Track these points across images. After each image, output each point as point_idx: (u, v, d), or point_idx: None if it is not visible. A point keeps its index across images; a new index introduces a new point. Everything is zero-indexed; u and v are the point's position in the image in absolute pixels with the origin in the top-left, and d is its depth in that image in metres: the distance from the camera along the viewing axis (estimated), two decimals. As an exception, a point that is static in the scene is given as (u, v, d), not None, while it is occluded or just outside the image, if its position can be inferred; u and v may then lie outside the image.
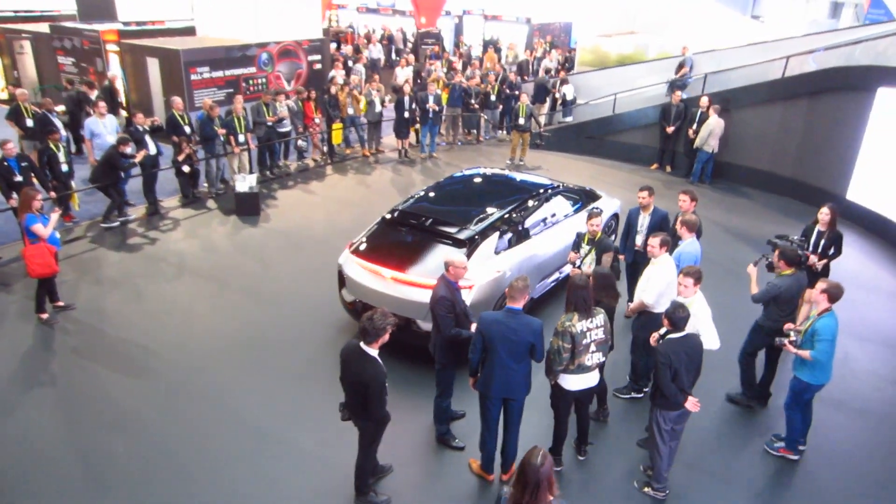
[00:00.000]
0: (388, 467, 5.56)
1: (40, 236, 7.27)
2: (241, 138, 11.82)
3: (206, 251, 9.84)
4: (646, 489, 5.50)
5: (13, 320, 7.69)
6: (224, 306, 8.22)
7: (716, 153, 13.20)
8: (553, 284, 8.28)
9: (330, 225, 10.80)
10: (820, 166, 12.50)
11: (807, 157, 12.76)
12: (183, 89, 13.97)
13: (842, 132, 11.87)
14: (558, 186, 8.76)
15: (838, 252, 7.44)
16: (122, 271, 8.99)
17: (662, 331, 5.30)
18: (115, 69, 15.30)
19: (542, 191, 8.41)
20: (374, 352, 4.68)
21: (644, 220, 7.68)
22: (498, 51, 25.11)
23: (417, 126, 14.84)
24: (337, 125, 14.25)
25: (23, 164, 9.16)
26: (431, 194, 8.21)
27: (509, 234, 7.41)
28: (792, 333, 5.68)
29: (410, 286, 6.68)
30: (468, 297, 6.52)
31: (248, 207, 11.09)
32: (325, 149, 14.34)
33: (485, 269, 6.91)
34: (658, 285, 6.14)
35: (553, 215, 8.25)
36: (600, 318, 5.21)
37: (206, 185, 12.09)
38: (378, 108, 14.35)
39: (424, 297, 6.00)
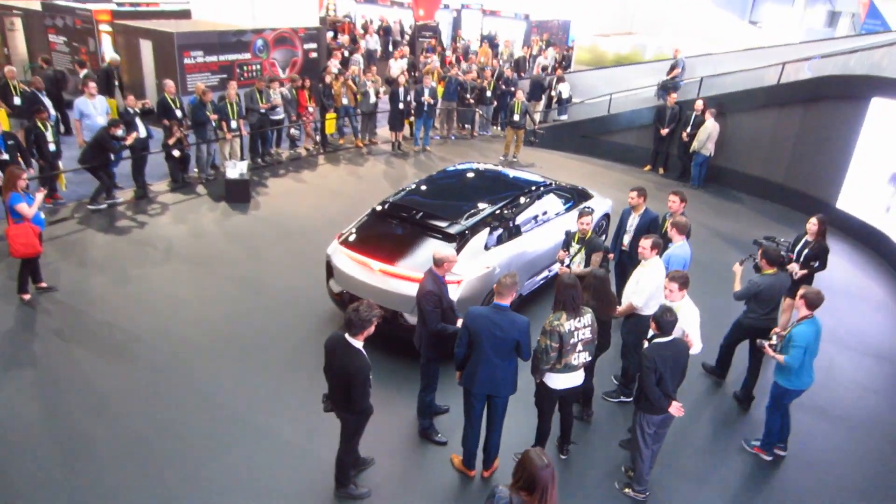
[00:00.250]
0: (370, 460, 5.53)
1: (24, 216, 7.17)
2: (234, 124, 11.70)
3: (194, 237, 9.75)
4: (626, 490, 5.50)
5: (-6, 300, 7.58)
6: (210, 293, 8.14)
7: (711, 157, 13.22)
8: (542, 282, 8.26)
9: (320, 215, 10.73)
10: (811, 174, 12.54)
11: (799, 164, 12.80)
12: (176, 73, 13.81)
13: (834, 141, 11.91)
14: (551, 184, 8.74)
15: (822, 266, 7.37)
16: (107, 254, 8.89)
17: (649, 335, 5.29)
18: (108, 50, 15.11)
19: (534, 188, 8.38)
20: (358, 344, 4.64)
21: (633, 221, 7.68)
22: (495, 46, 25.04)
23: (412, 119, 14.78)
24: (330, 115, 14.16)
25: (9, 143, 9.03)
26: (423, 188, 8.16)
27: (500, 231, 7.38)
28: (774, 338, 5.80)
29: (399, 279, 6.64)
30: (457, 292, 6.50)
31: (238, 194, 11.00)
32: (318, 138, 14.25)
33: (474, 264, 6.88)
34: (648, 288, 6.13)
35: (544, 213, 8.22)
36: (588, 317, 5.19)
37: (196, 170, 11.97)
38: (373, 99, 14.26)
39: (412, 290, 5.96)
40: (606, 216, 9.55)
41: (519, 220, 7.75)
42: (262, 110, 12.44)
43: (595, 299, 5.68)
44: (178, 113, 11.10)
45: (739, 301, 6.56)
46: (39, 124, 9.51)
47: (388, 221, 7.37)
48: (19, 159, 9.00)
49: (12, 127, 11.22)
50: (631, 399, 6.63)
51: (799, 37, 23.94)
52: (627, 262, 7.54)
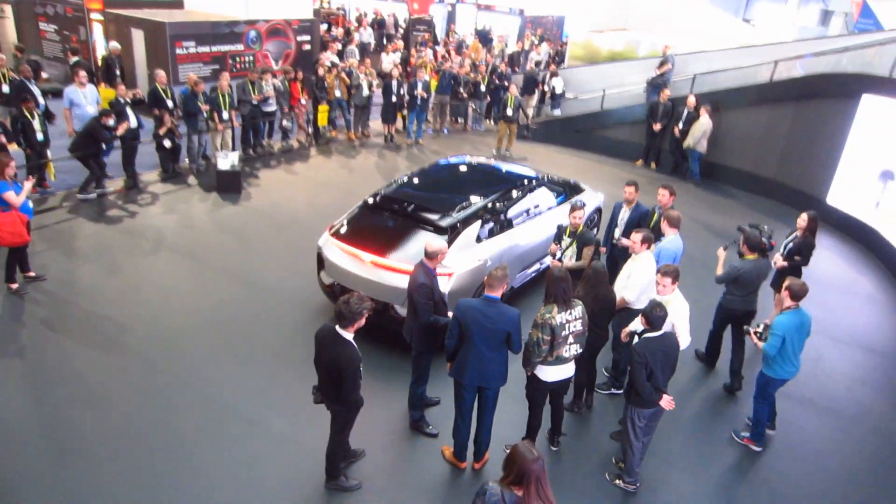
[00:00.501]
0: (361, 452, 5.52)
1: (12, 204, 7.09)
2: (225, 115, 11.62)
3: (185, 227, 9.69)
4: (617, 481, 5.52)
5: (-19, 290, 7.51)
6: (200, 284, 8.09)
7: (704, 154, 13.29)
8: (534, 275, 8.26)
9: (311, 206, 10.68)
10: (802, 170, 12.61)
11: (790, 160, 12.87)
12: (167, 63, 13.73)
13: (825, 137, 11.98)
14: (543, 178, 8.74)
15: (805, 262, 7.38)
16: (97, 244, 8.82)
17: (639, 329, 5.30)
18: (99, 39, 14.97)
19: (526, 181, 8.37)
20: (349, 335, 4.62)
21: (625, 215, 7.70)
22: (489, 41, 24.98)
23: (405, 112, 14.73)
24: (323, 107, 14.10)
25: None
26: (415, 180, 8.14)
27: (491, 224, 7.37)
28: (761, 325, 5.90)
29: (390, 271, 6.62)
30: (448, 285, 6.49)
31: (229, 185, 10.94)
32: (311, 130, 14.18)
33: (465, 257, 6.87)
34: (640, 282, 6.15)
35: (536, 206, 8.22)
36: (579, 309, 5.19)
37: (186, 160, 11.89)
38: (366, 91, 14.20)
39: (403, 282, 5.94)
40: (598, 210, 9.56)
41: (511, 213, 7.74)
42: (255, 102, 12.37)
43: (591, 293, 5.68)
44: (170, 103, 11.02)
45: (720, 284, 6.77)
46: (27, 113, 9.41)
47: (380, 213, 7.34)
48: (7, 147, 8.89)
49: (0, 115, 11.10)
50: (622, 391, 6.66)
51: (792, 35, 24.02)
52: (619, 256, 7.56)
